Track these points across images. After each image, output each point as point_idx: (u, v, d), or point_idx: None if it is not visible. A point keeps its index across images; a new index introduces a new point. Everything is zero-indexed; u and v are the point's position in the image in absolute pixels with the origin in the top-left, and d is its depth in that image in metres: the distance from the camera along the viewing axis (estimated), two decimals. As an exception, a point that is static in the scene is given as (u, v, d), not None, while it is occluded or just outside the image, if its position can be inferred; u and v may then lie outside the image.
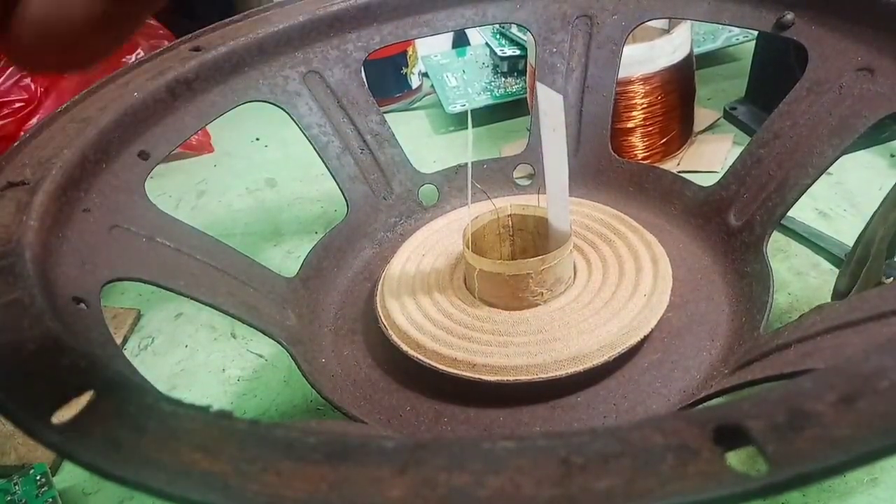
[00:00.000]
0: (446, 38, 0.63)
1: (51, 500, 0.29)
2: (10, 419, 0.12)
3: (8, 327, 0.15)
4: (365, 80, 0.37)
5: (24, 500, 0.30)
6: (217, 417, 0.11)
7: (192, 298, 0.24)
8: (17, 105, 0.50)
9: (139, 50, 0.54)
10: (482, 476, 0.09)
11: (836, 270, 0.36)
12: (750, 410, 0.09)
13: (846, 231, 0.38)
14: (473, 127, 0.24)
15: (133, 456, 0.10)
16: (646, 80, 0.42)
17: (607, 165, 0.36)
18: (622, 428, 0.09)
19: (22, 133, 0.45)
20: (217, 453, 0.10)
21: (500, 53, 0.55)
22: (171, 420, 0.11)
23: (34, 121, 0.50)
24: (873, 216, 0.26)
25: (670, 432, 0.09)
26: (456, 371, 0.25)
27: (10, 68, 0.50)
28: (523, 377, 0.24)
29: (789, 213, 0.29)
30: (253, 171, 0.53)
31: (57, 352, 0.14)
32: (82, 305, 0.20)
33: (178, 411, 0.11)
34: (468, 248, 0.27)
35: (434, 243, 0.32)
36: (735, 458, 0.09)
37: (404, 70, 0.56)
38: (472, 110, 0.51)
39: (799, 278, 0.36)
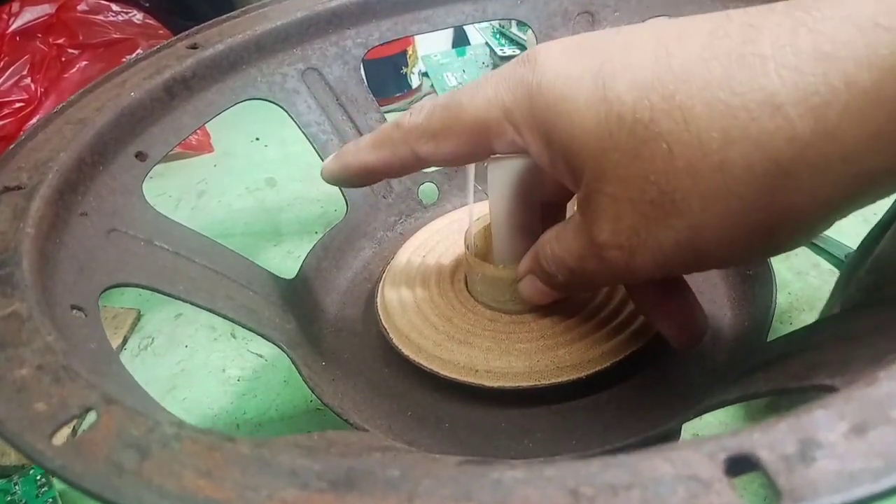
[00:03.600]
0: (446, 38, 0.62)
1: (51, 500, 0.29)
2: (9, 441, 0.12)
3: (7, 342, 0.15)
4: (364, 78, 0.37)
5: (24, 501, 0.30)
6: (220, 440, 0.11)
7: (191, 303, 0.24)
8: (17, 105, 0.50)
9: (139, 50, 0.53)
10: (490, 506, 0.09)
11: (836, 271, 0.36)
12: (761, 439, 0.09)
13: (846, 231, 0.38)
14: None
15: (135, 481, 0.10)
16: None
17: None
18: (631, 457, 0.09)
19: (21, 133, 0.45)
20: (221, 479, 0.10)
21: (500, 53, 0.54)
22: (173, 443, 0.11)
23: (34, 121, 0.49)
24: (872, 235, 0.25)
25: (680, 462, 0.09)
26: (457, 376, 0.25)
27: (11, 68, 0.50)
28: (524, 383, 0.24)
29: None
30: (253, 171, 0.52)
31: (57, 369, 0.14)
32: (81, 313, 0.20)
33: (180, 433, 0.11)
34: (469, 250, 0.27)
35: (435, 244, 0.32)
36: (746, 491, 0.09)
37: (404, 70, 0.56)
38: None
39: (799, 278, 0.36)
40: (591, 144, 0.17)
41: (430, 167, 0.23)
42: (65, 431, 0.12)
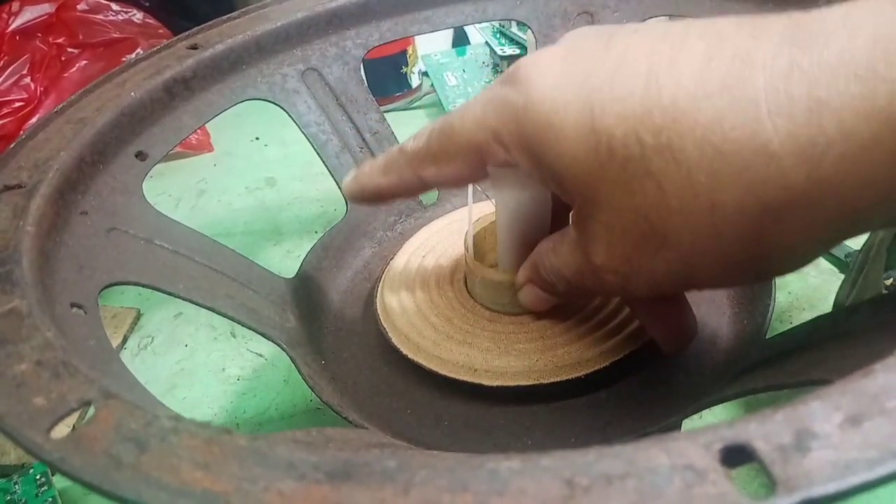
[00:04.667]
0: (446, 37, 0.62)
1: (50, 499, 0.29)
2: (8, 435, 0.12)
3: (6, 338, 0.15)
4: (364, 78, 0.37)
5: (23, 500, 0.30)
6: (218, 433, 0.11)
7: (191, 302, 0.24)
8: (17, 104, 0.50)
9: (139, 49, 0.53)
10: (486, 497, 0.09)
11: (836, 270, 0.36)
12: (756, 430, 0.09)
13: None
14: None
15: (134, 474, 0.10)
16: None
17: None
18: (627, 447, 0.09)
19: (21, 133, 0.45)
20: (218, 472, 0.10)
21: (500, 52, 0.55)
22: (171, 436, 0.11)
23: (34, 120, 0.49)
24: None
25: (676, 452, 0.09)
26: (456, 375, 0.25)
27: (10, 67, 0.50)
28: (524, 382, 0.24)
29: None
30: (253, 171, 0.53)
31: (56, 364, 0.14)
32: (80, 311, 0.20)
33: (178, 427, 0.11)
34: (469, 252, 0.27)
35: (434, 244, 0.32)
36: (742, 480, 0.09)
37: (404, 69, 0.56)
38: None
39: (799, 278, 0.36)
40: (581, 173, 0.17)
41: (438, 189, 0.23)
42: (64, 426, 0.12)
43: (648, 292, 0.19)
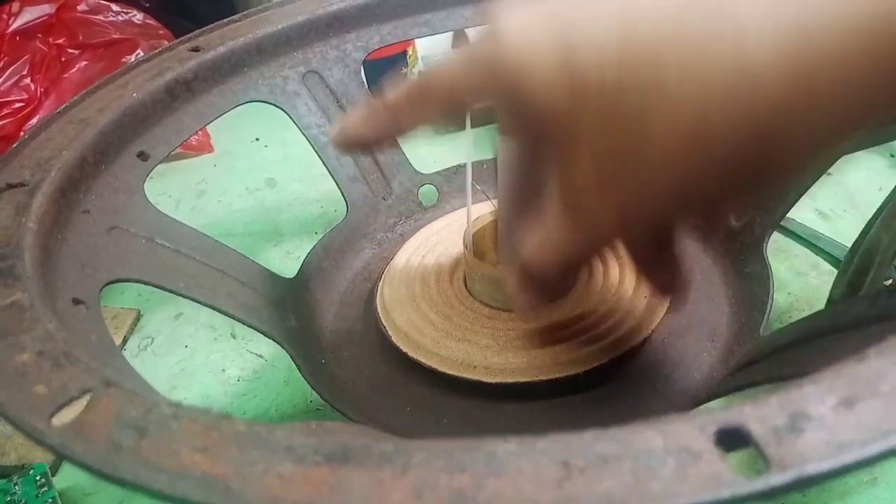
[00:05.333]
0: (446, 38, 0.63)
1: (51, 500, 0.29)
2: (10, 422, 0.12)
3: (8, 330, 0.15)
4: (364, 80, 0.37)
5: (23, 500, 0.30)
6: (217, 419, 0.11)
7: (191, 300, 0.24)
8: (17, 105, 0.50)
9: (139, 50, 0.54)
10: (483, 478, 0.09)
11: (836, 271, 0.36)
12: (751, 413, 0.09)
13: (845, 231, 0.38)
14: (473, 127, 0.24)
15: (133, 458, 0.10)
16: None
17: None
18: (623, 430, 0.09)
19: (22, 133, 0.45)
20: (218, 455, 0.10)
21: (499, 53, 0.55)
22: (171, 422, 0.11)
23: (34, 121, 0.50)
24: (871, 224, 0.26)
25: (671, 435, 0.09)
26: (455, 373, 0.25)
27: (11, 68, 0.50)
28: (522, 378, 0.24)
29: (789, 214, 0.29)
30: (253, 172, 0.53)
31: (58, 355, 0.14)
32: (82, 307, 0.20)
33: (178, 413, 0.11)
34: (468, 250, 0.27)
35: (434, 244, 0.32)
36: (736, 461, 0.09)
37: (404, 70, 0.56)
38: (471, 110, 0.51)
39: (799, 278, 0.36)
40: (559, 111, 0.17)
41: (415, 129, 0.23)
42: (64, 413, 0.12)
43: (646, 228, 0.18)
